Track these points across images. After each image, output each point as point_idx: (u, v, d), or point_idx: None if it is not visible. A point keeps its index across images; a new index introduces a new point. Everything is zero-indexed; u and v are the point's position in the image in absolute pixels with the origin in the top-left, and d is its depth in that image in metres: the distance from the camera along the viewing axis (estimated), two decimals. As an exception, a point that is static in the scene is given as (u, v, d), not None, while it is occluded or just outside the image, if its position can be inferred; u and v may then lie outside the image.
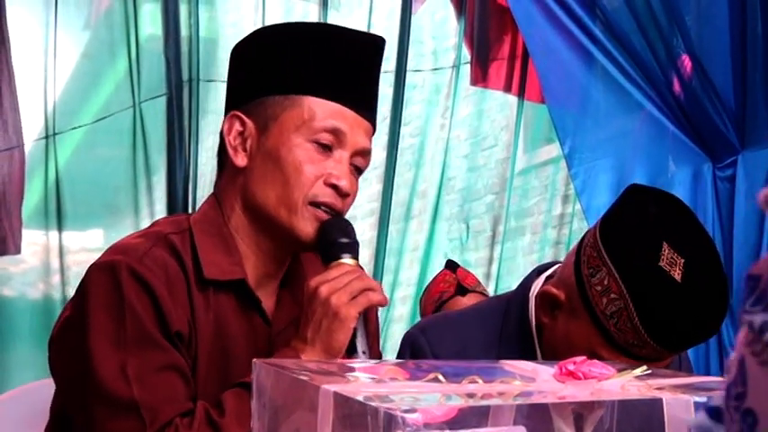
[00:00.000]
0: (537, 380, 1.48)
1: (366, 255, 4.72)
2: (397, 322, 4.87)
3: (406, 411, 1.22)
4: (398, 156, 4.67)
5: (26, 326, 4.00)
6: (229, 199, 2.06)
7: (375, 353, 2.19)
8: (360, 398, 1.28)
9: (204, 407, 1.88)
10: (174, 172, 4.20)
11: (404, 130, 4.89)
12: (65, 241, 4.10)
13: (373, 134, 2.11)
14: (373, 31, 4.53)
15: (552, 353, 2.20)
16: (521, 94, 4.72)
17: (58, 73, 4.13)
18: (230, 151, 2.04)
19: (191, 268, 1.97)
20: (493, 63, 4.76)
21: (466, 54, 4.76)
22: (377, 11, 4.61)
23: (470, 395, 1.36)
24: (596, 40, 4.39)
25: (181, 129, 4.22)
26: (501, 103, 4.93)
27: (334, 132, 2.01)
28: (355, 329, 1.92)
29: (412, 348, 2.30)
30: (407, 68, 4.62)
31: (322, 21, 4.42)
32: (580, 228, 4.81)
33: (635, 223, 2.16)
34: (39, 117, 4.10)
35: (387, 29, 4.64)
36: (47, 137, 4.12)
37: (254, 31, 2.16)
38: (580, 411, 1.45)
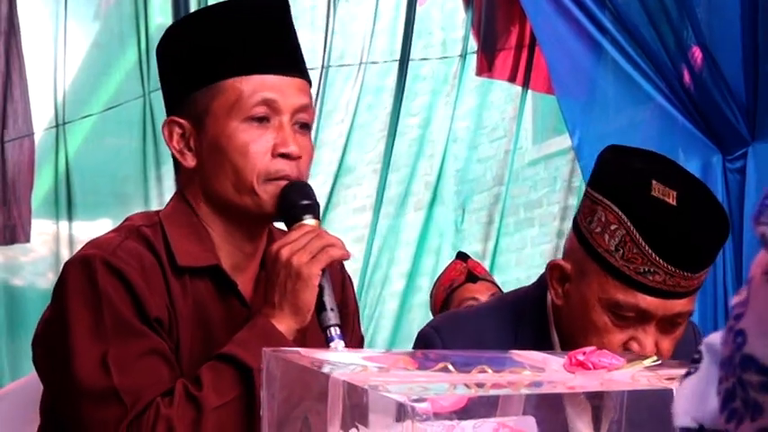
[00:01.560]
0: (546, 370, 1.48)
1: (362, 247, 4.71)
2: (416, 309, 4.87)
3: (416, 401, 1.22)
4: (407, 146, 4.67)
5: (36, 315, 3.97)
6: (193, 196, 2.06)
7: (357, 335, 2.21)
8: (370, 387, 1.28)
9: (182, 383, 1.89)
10: (183, 162, 4.21)
11: (411, 121, 4.89)
12: (74, 231, 4.11)
13: (310, 86, 2.09)
14: (379, 22, 4.53)
15: (571, 338, 2.20)
16: (525, 84, 4.72)
17: (68, 63, 4.14)
18: (177, 156, 2.04)
19: (165, 258, 1.98)
20: (499, 53, 4.76)
21: (473, 45, 4.76)
22: (383, 2, 4.61)
23: (480, 385, 1.37)
24: (606, 31, 4.38)
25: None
26: (510, 93, 4.93)
27: (266, 103, 1.99)
28: (321, 287, 1.92)
29: (425, 347, 2.29)
30: (415, 58, 4.62)
31: (330, 11, 4.42)
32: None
33: (622, 170, 2.19)
34: (49, 106, 4.11)
35: (393, 20, 4.63)
36: (57, 126, 4.12)
37: (162, 35, 2.15)
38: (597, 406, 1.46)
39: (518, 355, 1.60)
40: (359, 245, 4.65)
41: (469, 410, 1.32)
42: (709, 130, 4.35)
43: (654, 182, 2.11)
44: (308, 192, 2.02)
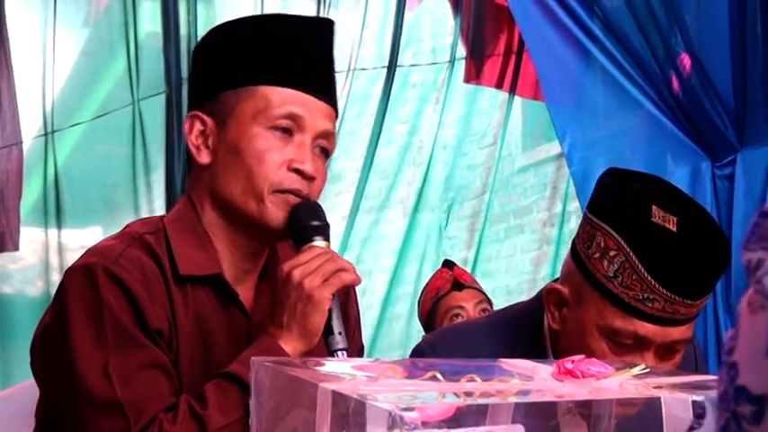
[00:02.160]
0: (535, 378, 1.48)
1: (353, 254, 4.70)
2: (397, 320, 4.87)
3: (405, 410, 1.22)
4: (396, 154, 4.67)
5: (25, 323, 3.99)
6: (200, 197, 2.06)
7: (357, 345, 2.20)
8: (358, 396, 1.28)
9: (187, 400, 1.88)
10: (172, 169, 4.21)
11: (401, 129, 4.89)
12: (63, 239, 4.10)
13: (336, 117, 2.10)
14: (368, 29, 4.54)
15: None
16: (512, 90, 4.72)
17: (57, 70, 4.13)
18: (193, 150, 2.04)
19: (167, 266, 1.97)
20: (488, 60, 4.77)
21: (462, 51, 4.77)
22: (372, 9, 4.61)
23: (468, 394, 1.36)
24: (595, 38, 4.39)
25: (180, 126, 4.21)
26: (498, 100, 4.94)
27: (292, 117, 2.00)
28: (330, 311, 1.92)
29: None
30: (405, 65, 4.62)
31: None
32: (576, 226, 4.81)
33: (622, 194, 2.17)
34: (37, 114, 4.10)
35: (382, 26, 4.64)
36: (46, 134, 4.12)
37: (205, 34, 2.17)
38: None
39: (507, 363, 1.60)
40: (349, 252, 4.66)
41: (458, 419, 1.31)
42: (698, 136, 4.36)
43: (654, 207, 2.09)
44: (319, 213, 2.01)
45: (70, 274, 1.94)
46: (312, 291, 1.89)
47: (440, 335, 2.49)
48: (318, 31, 2.13)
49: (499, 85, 4.79)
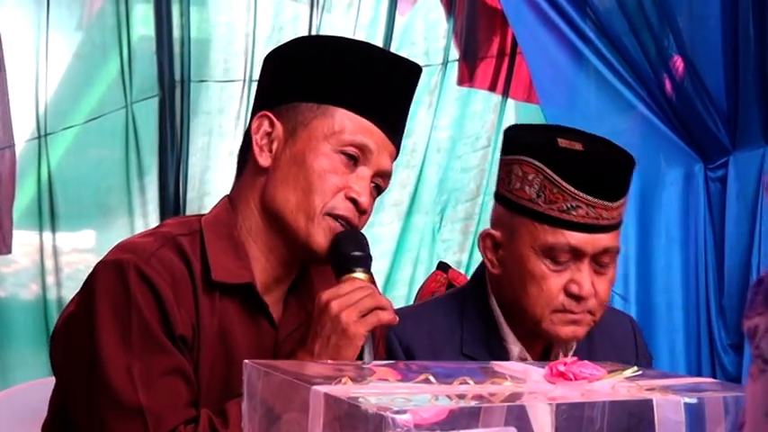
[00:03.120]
0: (527, 381, 1.48)
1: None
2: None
3: (397, 412, 1.22)
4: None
5: (18, 327, 3.99)
6: (246, 199, 2.06)
7: (379, 357, 2.20)
8: (351, 399, 1.28)
9: (208, 415, 1.88)
10: (166, 172, 4.20)
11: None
12: (57, 242, 4.09)
13: (395, 158, 2.12)
14: (358, 32, 4.54)
15: (514, 303, 2.33)
16: (505, 92, 4.72)
17: (49, 73, 4.12)
18: (256, 150, 2.04)
19: (198, 271, 1.97)
20: (481, 62, 4.77)
21: (454, 53, 4.77)
22: (364, 12, 4.61)
23: (461, 396, 1.36)
24: (588, 40, 4.40)
25: (173, 129, 4.21)
26: (488, 102, 4.93)
27: (362, 148, 2.02)
28: (363, 346, 1.92)
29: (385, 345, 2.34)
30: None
31: (312, 21, 4.42)
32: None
33: (529, 131, 2.44)
34: (30, 117, 4.09)
35: (372, 30, 4.63)
36: (39, 137, 4.10)
37: (295, 39, 2.18)
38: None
39: (499, 366, 1.60)
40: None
41: (451, 422, 1.31)
42: (691, 138, 4.37)
43: (558, 138, 2.29)
44: (362, 243, 2.03)
45: (102, 267, 1.93)
46: (348, 325, 1.90)
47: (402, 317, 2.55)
48: (407, 73, 2.15)
49: (492, 88, 4.78)
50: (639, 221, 4.44)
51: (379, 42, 4.54)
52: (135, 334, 1.87)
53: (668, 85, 4.39)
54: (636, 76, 4.40)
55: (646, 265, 4.42)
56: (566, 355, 2.40)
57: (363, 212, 2.04)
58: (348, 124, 2.02)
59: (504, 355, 2.36)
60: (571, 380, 1.45)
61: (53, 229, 4.10)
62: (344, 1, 4.62)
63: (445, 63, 4.73)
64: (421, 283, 4.31)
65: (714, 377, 4.19)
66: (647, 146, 4.44)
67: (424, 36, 4.93)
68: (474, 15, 4.74)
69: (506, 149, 2.36)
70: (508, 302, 2.37)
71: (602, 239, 2.27)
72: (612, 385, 1.46)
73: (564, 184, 2.21)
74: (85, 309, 1.92)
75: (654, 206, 4.44)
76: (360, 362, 1.91)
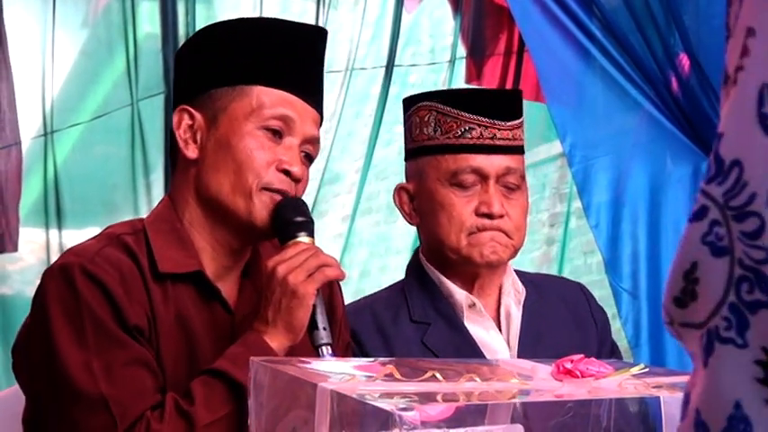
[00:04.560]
0: (534, 378, 1.48)
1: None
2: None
3: (404, 409, 1.22)
4: (397, 154, 4.65)
5: (24, 324, 3.99)
6: (183, 193, 2.07)
7: (343, 340, 2.23)
8: (357, 396, 1.28)
9: (173, 397, 1.89)
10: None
11: (400, 129, 4.88)
12: (64, 239, 4.10)
13: (321, 123, 2.14)
14: (366, 29, 4.54)
15: (436, 244, 2.41)
16: (514, 90, 4.72)
17: (56, 71, 4.13)
18: (181, 144, 2.06)
19: (146, 265, 1.98)
20: (488, 60, 4.76)
21: (461, 51, 4.77)
22: (371, 9, 4.61)
23: (468, 394, 1.36)
24: (594, 38, 4.39)
25: (179, 127, 4.21)
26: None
27: (284, 119, 2.04)
28: (315, 306, 1.93)
29: None
30: (404, 64, 4.62)
31: (319, 18, 4.43)
32: (577, 226, 4.80)
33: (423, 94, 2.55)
34: (37, 115, 4.10)
35: (379, 27, 4.64)
36: (45, 134, 4.11)
37: (199, 30, 2.20)
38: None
39: (506, 363, 1.60)
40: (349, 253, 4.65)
41: (457, 419, 1.31)
42: (697, 136, 4.37)
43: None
44: (303, 208, 2.04)
45: (48, 274, 1.95)
46: (297, 286, 1.91)
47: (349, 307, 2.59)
48: (313, 39, 2.16)
49: (501, 87, 4.78)
50: (648, 219, 4.43)
51: (386, 40, 4.55)
52: (89, 332, 1.88)
53: (674, 83, 4.39)
54: (642, 74, 4.39)
55: (655, 262, 4.41)
56: (518, 305, 2.45)
57: (298, 181, 2.05)
58: (265, 99, 2.04)
59: (453, 309, 2.41)
60: (578, 377, 1.45)
61: (59, 227, 4.11)
62: (351, -2, 4.63)
63: (452, 61, 4.73)
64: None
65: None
66: (654, 144, 4.43)
67: (430, 34, 4.94)
68: (481, 13, 4.74)
69: (405, 111, 2.51)
70: (432, 248, 2.44)
71: (503, 160, 2.38)
72: (619, 382, 1.46)
73: (455, 110, 2.36)
74: (39, 316, 1.93)
75: (661, 204, 4.44)
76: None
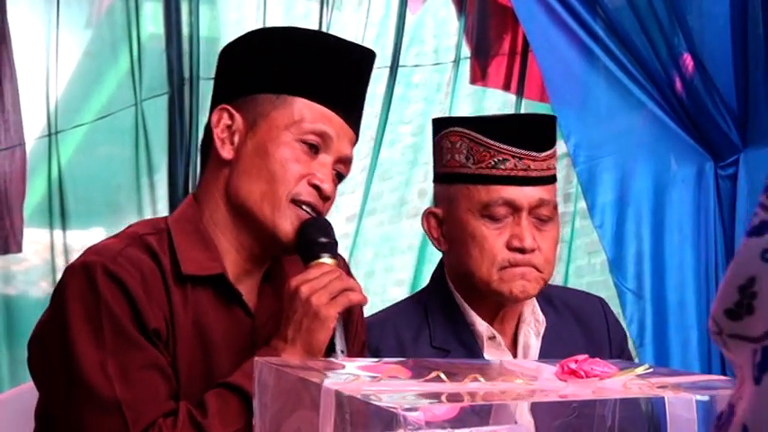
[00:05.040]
0: (539, 378, 1.48)
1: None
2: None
3: (408, 410, 1.22)
4: (400, 155, 4.67)
5: (29, 325, 3.95)
6: (212, 192, 2.08)
7: (360, 339, 2.24)
8: (362, 396, 1.28)
9: (187, 407, 1.89)
10: (175, 170, 4.20)
11: (404, 129, 4.89)
12: (68, 240, 4.10)
13: (355, 143, 2.14)
14: (370, 30, 4.54)
15: (465, 276, 2.37)
16: (519, 92, 4.71)
17: (60, 71, 4.13)
18: (217, 143, 2.06)
19: (167, 266, 1.98)
20: (492, 61, 4.76)
21: (466, 52, 4.76)
22: (374, 10, 4.61)
23: (472, 394, 1.36)
24: (598, 38, 4.39)
25: (182, 127, 4.21)
26: (502, 101, 4.93)
27: (322, 136, 2.05)
28: (334, 329, 1.94)
29: None
30: (408, 65, 4.62)
31: (323, 19, 4.43)
32: (582, 226, 4.80)
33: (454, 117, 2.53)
34: (41, 115, 4.10)
35: (383, 27, 4.63)
36: (49, 135, 4.11)
37: (250, 32, 2.19)
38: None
39: (511, 363, 1.60)
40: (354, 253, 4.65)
41: (462, 419, 1.31)
42: (701, 137, 4.37)
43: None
44: (328, 229, 2.05)
45: (69, 272, 1.95)
46: (319, 308, 1.91)
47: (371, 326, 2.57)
48: (362, 59, 2.17)
49: (506, 87, 4.77)
50: (652, 220, 4.43)
51: (389, 40, 4.55)
52: (107, 332, 1.88)
53: (678, 84, 4.38)
54: (646, 74, 4.39)
55: (659, 263, 4.42)
56: (537, 336, 2.42)
57: (327, 199, 2.06)
58: (307, 113, 2.04)
59: (474, 339, 2.40)
60: (582, 377, 1.45)
61: (63, 227, 4.10)
62: (355, -2, 4.62)
63: (457, 61, 4.72)
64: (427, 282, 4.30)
65: (725, 374, 4.18)
66: (658, 144, 4.43)
67: (434, 34, 4.94)
68: (485, 13, 4.73)
69: (435, 132, 2.44)
70: (459, 276, 2.41)
71: (536, 192, 2.33)
72: (624, 383, 1.45)
73: (488, 140, 2.29)
74: (57, 313, 1.93)
75: (665, 204, 4.44)
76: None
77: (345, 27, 4.50)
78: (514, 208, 2.32)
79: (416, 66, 4.86)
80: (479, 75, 4.78)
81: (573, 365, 1.46)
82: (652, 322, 4.36)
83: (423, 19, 4.80)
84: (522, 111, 4.72)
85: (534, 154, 2.31)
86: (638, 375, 1.48)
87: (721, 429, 0.86)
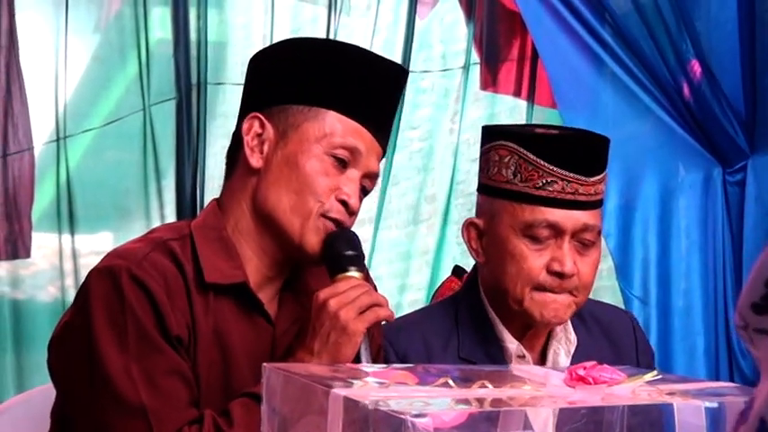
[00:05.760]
0: (547, 385, 1.48)
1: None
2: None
3: (417, 416, 1.22)
4: (408, 160, 4.67)
5: (37, 329, 3.99)
6: (238, 200, 2.07)
7: (376, 343, 2.21)
8: (369, 402, 1.28)
9: (212, 416, 1.89)
10: (183, 175, 4.21)
11: (412, 134, 4.89)
12: (77, 244, 4.11)
13: (381, 159, 2.15)
14: (378, 35, 4.54)
15: (500, 292, 2.33)
16: (530, 98, 4.71)
17: (68, 76, 4.14)
18: (247, 151, 2.06)
19: (190, 273, 1.98)
20: (502, 67, 4.76)
21: (475, 57, 4.76)
22: (383, 15, 4.61)
23: (480, 400, 1.36)
24: (606, 44, 4.40)
25: (190, 132, 4.22)
26: (511, 107, 4.93)
27: (352, 151, 2.04)
28: (360, 343, 1.93)
29: None
30: (416, 70, 4.62)
31: (331, 24, 4.43)
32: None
33: (504, 126, 2.56)
34: (49, 120, 4.11)
35: (392, 33, 4.63)
36: (57, 140, 4.12)
37: (284, 40, 2.19)
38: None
39: (519, 369, 1.60)
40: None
41: (470, 426, 1.31)
42: (709, 143, 4.37)
43: (535, 128, 2.40)
44: (355, 242, 2.05)
45: (94, 274, 1.95)
46: (347, 323, 1.91)
47: (391, 325, 2.54)
48: (395, 76, 2.17)
49: (516, 93, 4.77)
50: (659, 226, 4.44)
51: (398, 46, 4.55)
52: (131, 336, 1.88)
53: (686, 90, 4.39)
54: (654, 80, 4.39)
55: (665, 269, 4.41)
56: (567, 355, 2.40)
57: (352, 214, 2.06)
58: (338, 127, 2.04)
59: (502, 355, 2.36)
60: (591, 384, 1.45)
61: (72, 232, 4.11)
62: (363, 3, 4.62)
63: (467, 67, 4.72)
64: (436, 287, 4.30)
65: (732, 381, 4.18)
66: (666, 150, 4.43)
67: (441, 39, 4.93)
68: (494, 19, 4.73)
69: (484, 141, 2.39)
70: (493, 290, 2.37)
71: (582, 216, 2.27)
72: (632, 389, 1.45)
73: (538, 160, 2.23)
74: (81, 316, 1.93)
75: (673, 210, 4.44)
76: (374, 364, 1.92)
77: (353, 32, 4.50)
78: (558, 231, 2.27)
79: (424, 71, 4.86)
80: (490, 81, 4.78)
81: (581, 372, 1.46)
82: (657, 329, 4.36)
83: (430, 24, 4.80)
84: (534, 117, 4.73)
85: (584, 179, 2.26)
86: (647, 382, 1.48)
87: (739, 422, 0.86)
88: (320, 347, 1.92)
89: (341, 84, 2.06)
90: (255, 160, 2.05)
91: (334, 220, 2.03)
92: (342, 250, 2.01)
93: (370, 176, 2.09)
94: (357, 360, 1.93)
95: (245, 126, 2.08)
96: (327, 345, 1.91)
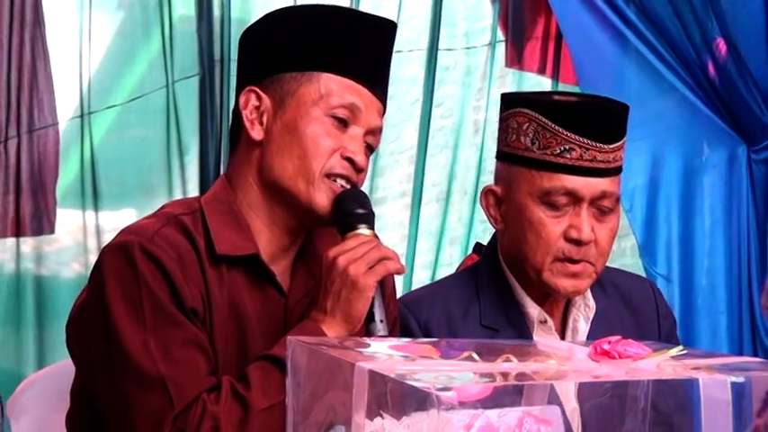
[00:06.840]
0: (572, 359, 1.48)
1: (398, 235, 4.71)
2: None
3: (441, 389, 1.22)
4: (430, 137, 4.65)
5: (61, 305, 4.01)
6: (244, 174, 2.09)
7: (392, 314, 2.23)
8: (395, 376, 1.28)
9: (230, 381, 1.91)
10: (206, 152, 4.21)
11: (435, 112, 4.87)
12: (100, 221, 4.12)
13: (383, 114, 2.15)
14: (404, 11, 4.53)
15: (519, 259, 2.34)
16: (554, 75, 4.70)
17: (92, 52, 4.14)
18: (247, 125, 2.08)
19: (202, 246, 2.00)
20: (527, 45, 4.74)
21: (500, 35, 4.75)
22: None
23: (505, 374, 1.36)
24: (630, 22, 4.38)
25: (213, 108, 4.22)
26: (535, 84, 4.91)
27: (351, 108, 2.06)
28: (373, 298, 1.95)
29: (401, 323, 2.35)
30: (440, 48, 4.61)
31: (353, 1, 4.42)
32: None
33: (523, 93, 2.57)
34: (74, 96, 4.11)
35: (418, 10, 4.62)
36: (81, 116, 4.12)
37: (268, 13, 2.19)
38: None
39: (542, 344, 1.60)
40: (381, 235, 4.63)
41: (494, 399, 1.32)
42: (734, 121, 4.35)
43: (554, 95, 2.42)
44: (364, 201, 2.06)
45: (107, 251, 1.97)
46: (357, 277, 1.92)
47: (411, 294, 2.55)
48: (383, 30, 2.17)
49: (541, 71, 4.75)
50: (683, 204, 4.42)
51: (423, 23, 4.54)
52: (147, 310, 1.90)
53: (711, 68, 4.37)
54: (679, 58, 4.37)
55: (689, 247, 4.41)
56: (586, 320, 2.40)
57: (360, 171, 2.08)
58: (334, 87, 2.05)
59: (524, 321, 2.37)
60: (615, 358, 1.45)
61: (95, 208, 4.12)
62: (388, -21, 4.60)
63: (493, 44, 4.71)
64: (458, 264, 4.29)
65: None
66: (690, 129, 4.42)
67: (464, 17, 4.92)
68: (519, -3, 4.71)
69: (502, 107, 2.39)
70: (513, 258, 2.38)
71: (600, 183, 2.27)
72: (657, 364, 1.45)
73: (556, 127, 2.23)
74: (97, 293, 1.95)
75: (697, 189, 4.43)
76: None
77: (378, 8, 4.48)
78: (576, 198, 2.27)
79: (448, 49, 4.84)
80: (515, 58, 4.76)
81: (606, 346, 1.46)
82: (680, 306, 4.35)
83: (453, 2, 4.79)
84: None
85: (602, 146, 2.26)
86: (672, 357, 1.48)
87: (761, 410, 0.86)
88: (333, 305, 1.94)
89: (329, 44, 2.07)
90: (256, 132, 2.07)
91: (341, 177, 2.05)
92: (351, 209, 2.03)
93: (374, 132, 2.11)
94: (370, 316, 1.94)
95: (241, 101, 2.10)
96: (339, 302, 1.93)
